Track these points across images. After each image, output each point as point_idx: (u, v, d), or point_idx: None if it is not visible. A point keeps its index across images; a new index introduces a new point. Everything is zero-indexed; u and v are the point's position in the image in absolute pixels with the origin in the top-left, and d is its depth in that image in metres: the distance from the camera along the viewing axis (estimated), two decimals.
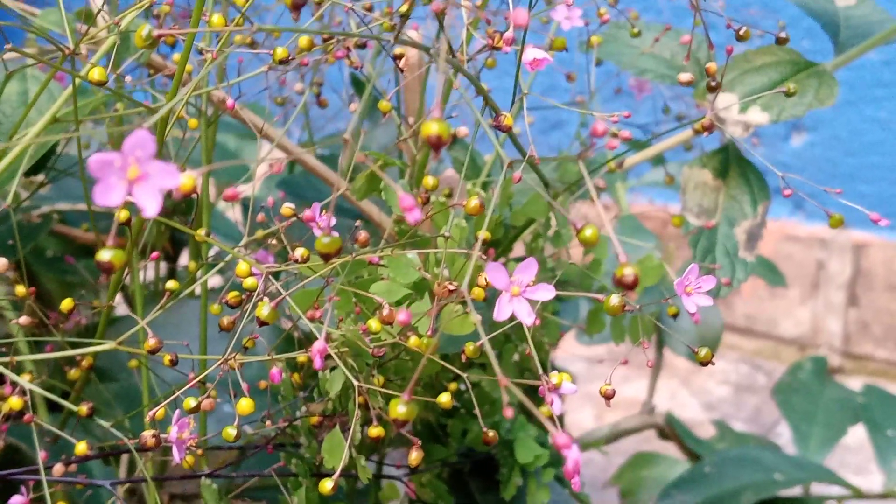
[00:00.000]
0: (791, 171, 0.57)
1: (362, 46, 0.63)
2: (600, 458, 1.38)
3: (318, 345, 0.35)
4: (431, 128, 0.26)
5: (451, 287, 0.42)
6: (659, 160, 0.93)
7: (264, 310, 0.40)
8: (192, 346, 0.61)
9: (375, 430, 0.53)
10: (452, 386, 0.61)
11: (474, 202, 0.39)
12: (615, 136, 0.52)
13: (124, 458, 0.74)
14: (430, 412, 0.67)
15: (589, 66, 0.71)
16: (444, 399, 0.44)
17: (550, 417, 0.64)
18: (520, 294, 0.34)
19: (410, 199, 0.28)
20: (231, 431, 0.45)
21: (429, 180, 0.56)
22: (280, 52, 0.48)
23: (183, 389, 0.45)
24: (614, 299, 0.34)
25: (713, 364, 0.43)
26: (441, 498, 0.63)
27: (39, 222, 0.72)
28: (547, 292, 0.34)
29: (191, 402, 0.45)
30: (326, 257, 0.30)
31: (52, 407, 0.77)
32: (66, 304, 0.51)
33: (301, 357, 0.56)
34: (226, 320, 0.54)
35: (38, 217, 0.73)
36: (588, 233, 0.31)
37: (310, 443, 0.58)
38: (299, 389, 0.61)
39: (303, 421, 0.57)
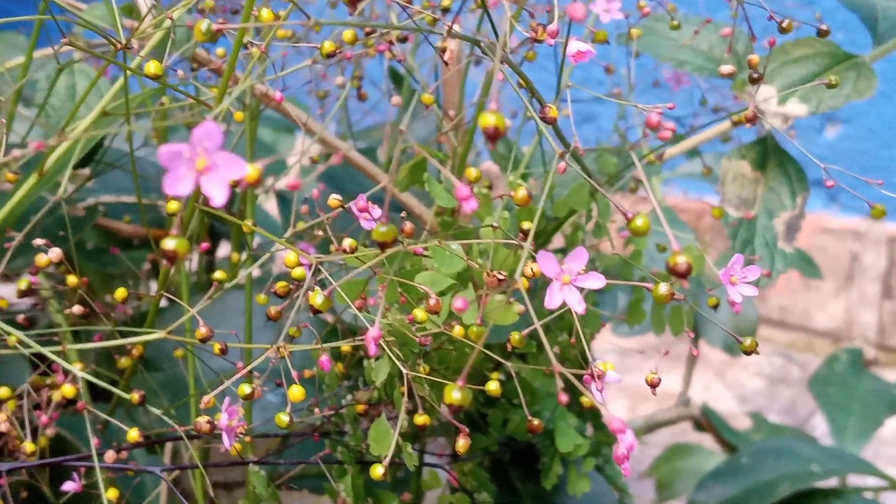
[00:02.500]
0: (825, 163, 0.57)
1: (403, 40, 0.64)
2: (638, 448, 1.38)
3: (373, 332, 0.35)
4: (489, 119, 0.27)
5: (500, 277, 0.42)
6: (694, 152, 0.94)
7: (317, 298, 0.41)
8: (238, 335, 0.62)
9: (421, 419, 0.53)
10: (494, 375, 0.62)
11: (522, 192, 0.40)
12: (661, 128, 0.52)
13: (168, 445, 0.75)
14: (471, 401, 0.68)
15: (627, 59, 0.71)
16: (493, 387, 0.44)
17: (592, 406, 0.65)
18: (570, 283, 0.34)
19: (466, 189, 0.29)
20: (284, 418, 0.46)
21: (472, 172, 0.57)
22: (327, 45, 0.49)
23: (234, 379, 0.46)
24: (663, 287, 0.35)
25: (757, 353, 0.44)
26: (483, 486, 0.64)
27: (84, 214, 0.73)
28: (597, 281, 0.34)
29: (245, 389, 0.45)
30: (383, 246, 0.31)
31: (95, 396, 0.78)
32: (120, 293, 0.52)
33: (345, 347, 0.57)
34: (273, 310, 0.55)
35: (83, 209, 0.74)
36: (639, 222, 0.31)
37: (355, 431, 0.59)
38: (343, 378, 0.61)
39: (348, 409, 0.58)
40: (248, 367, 0.45)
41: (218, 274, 0.57)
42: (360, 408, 0.56)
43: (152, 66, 0.43)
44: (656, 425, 1.13)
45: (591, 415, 0.74)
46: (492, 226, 0.48)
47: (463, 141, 0.65)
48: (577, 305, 0.34)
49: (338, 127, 1.07)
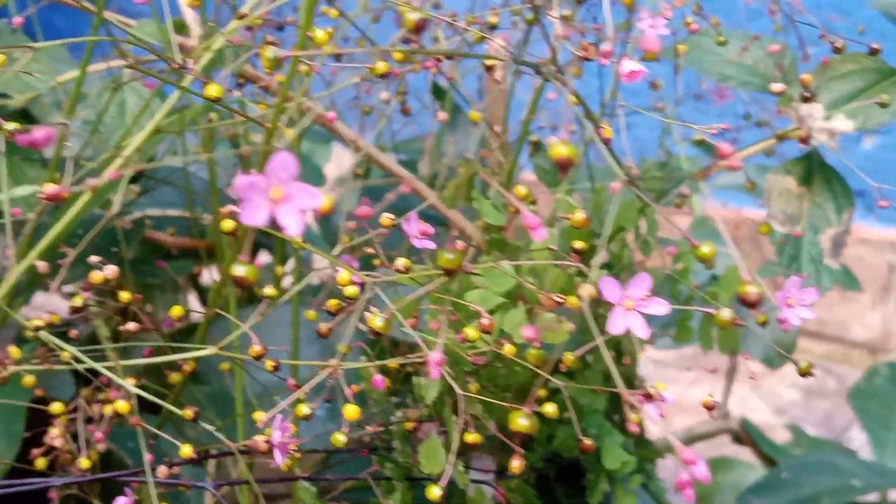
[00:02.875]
0: (863, 174, 0.57)
1: (450, 57, 0.64)
2: (671, 461, 1.38)
3: (435, 356, 0.35)
4: (561, 150, 0.27)
5: (559, 300, 0.42)
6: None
7: (378, 321, 0.41)
8: (286, 349, 0.62)
9: (472, 437, 0.53)
10: (542, 393, 0.62)
11: (580, 216, 0.40)
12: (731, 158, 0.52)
13: (212, 459, 0.76)
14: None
15: (670, 73, 0.71)
16: (549, 409, 0.44)
17: (641, 424, 0.65)
18: (633, 308, 0.34)
19: (536, 219, 0.29)
20: (340, 438, 0.46)
21: (520, 189, 0.57)
22: (382, 66, 0.49)
23: (290, 399, 0.46)
24: (726, 313, 0.35)
25: (812, 375, 0.43)
26: (529, 503, 0.64)
27: (132, 228, 0.74)
28: (661, 307, 0.34)
29: (304, 410, 0.46)
30: (450, 273, 0.31)
31: (141, 409, 0.78)
32: (176, 311, 0.52)
33: (392, 363, 0.57)
34: (324, 327, 0.55)
35: (130, 223, 0.75)
36: (706, 250, 0.31)
37: (404, 447, 0.59)
38: (390, 394, 0.62)
39: (398, 426, 0.58)
40: (305, 388, 0.45)
41: (269, 290, 0.57)
42: (410, 425, 0.57)
43: (213, 90, 0.43)
44: (695, 438, 1.13)
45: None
46: (549, 248, 0.48)
47: (509, 157, 0.65)
48: (641, 331, 0.34)
49: (375, 137, 1.07)
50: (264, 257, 1.14)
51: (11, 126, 0.44)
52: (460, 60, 0.82)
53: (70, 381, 1.04)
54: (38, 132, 0.27)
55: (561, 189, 0.71)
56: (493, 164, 0.71)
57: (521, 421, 0.31)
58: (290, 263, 0.97)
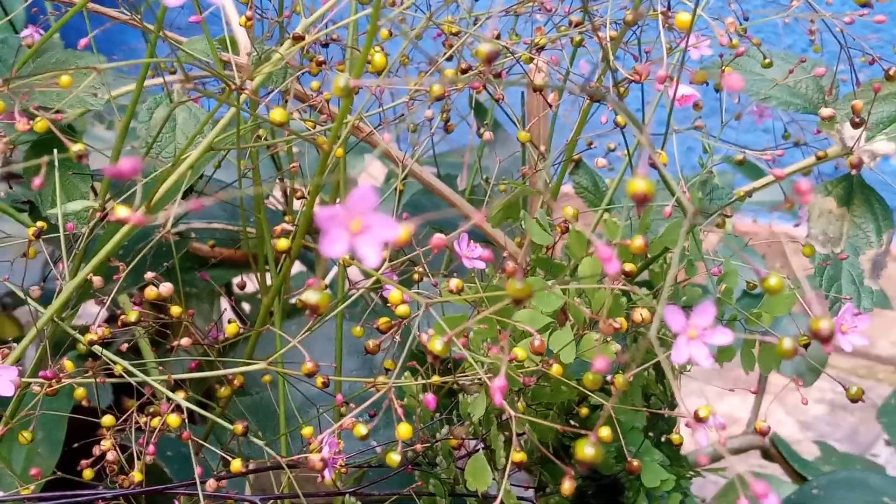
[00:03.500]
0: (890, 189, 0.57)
1: (498, 76, 0.65)
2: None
3: (499, 381, 0.36)
4: (638, 185, 0.28)
5: (616, 325, 0.43)
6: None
7: (437, 344, 0.41)
8: (325, 361, 0.63)
9: (518, 455, 0.54)
10: (584, 411, 0.62)
11: (639, 242, 0.40)
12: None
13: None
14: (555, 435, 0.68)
15: (720, 95, 0.72)
16: (605, 433, 0.45)
17: (680, 444, 0.65)
18: (697, 337, 0.35)
19: (609, 251, 0.29)
20: (395, 458, 0.47)
21: (568, 210, 0.58)
22: (437, 89, 0.50)
23: (346, 420, 0.47)
24: (788, 343, 0.35)
25: (863, 401, 0.44)
26: None
27: (177, 240, 0.75)
28: (724, 336, 0.35)
29: (361, 430, 0.46)
30: (518, 302, 0.31)
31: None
32: (232, 329, 0.53)
33: (434, 381, 0.58)
34: (371, 343, 0.56)
35: (175, 235, 0.75)
36: (773, 281, 0.32)
37: (448, 464, 0.60)
38: (435, 411, 0.62)
39: (443, 443, 0.59)
40: (360, 407, 0.46)
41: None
42: (455, 442, 0.57)
43: (278, 115, 0.44)
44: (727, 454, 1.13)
45: (668, 446, 0.74)
46: (602, 276, 0.48)
47: (555, 176, 0.66)
48: (705, 361, 0.34)
49: (403, 146, 1.08)
50: (297, 266, 1.14)
51: (77, 147, 0.45)
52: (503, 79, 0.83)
53: (108, 392, 1.05)
54: (124, 163, 0.27)
55: (602, 210, 0.72)
56: (534, 182, 0.72)
57: (587, 450, 0.31)
58: (329, 276, 0.98)
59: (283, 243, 0.52)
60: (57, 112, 0.54)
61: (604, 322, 0.43)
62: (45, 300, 0.64)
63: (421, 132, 0.82)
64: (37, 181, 0.49)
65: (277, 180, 0.84)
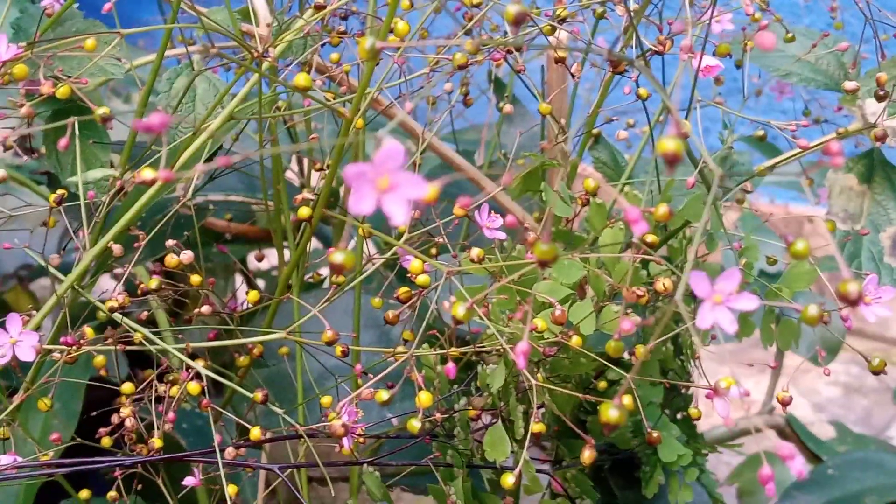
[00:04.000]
0: None
1: (518, 49, 0.65)
2: (712, 456, 1.38)
3: (522, 346, 0.36)
4: (668, 145, 0.27)
5: (640, 293, 0.43)
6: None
7: (460, 309, 0.41)
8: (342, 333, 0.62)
9: (537, 426, 0.54)
10: (602, 384, 0.62)
11: (663, 210, 0.40)
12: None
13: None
14: (573, 408, 0.68)
15: (741, 72, 0.71)
16: (627, 402, 0.44)
17: (698, 418, 0.65)
18: (722, 303, 0.35)
19: (637, 212, 0.29)
20: (416, 424, 0.47)
21: (589, 182, 0.57)
22: (459, 58, 0.50)
23: (365, 386, 0.47)
24: (813, 309, 0.35)
25: (885, 373, 0.44)
26: (586, 493, 0.64)
27: (194, 213, 0.75)
28: (749, 302, 0.35)
29: (383, 396, 0.46)
30: (544, 264, 0.31)
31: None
32: (253, 296, 0.53)
33: (454, 352, 0.58)
34: (391, 314, 0.56)
35: (192, 207, 0.75)
36: (800, 246, 0.32)
37: (466, 435, 0.60)
38: (452, 382, 0.62)
39: (461, 414, 0.59)
40: (380, 376, 0.46)
41: (337, 277, 0.58)
42: (473, 413, 0.57)
43: (302, 79, 0.44)
44: (739, 433, 1.13)
45: (685, 424, 0.74)
46: (640, 242, 0.48)
47: (576, 149, 0.66)
48: (730, 326, 0.34)
49: (421, 122, 1.08)
50: (313, 242, 1.14)
51: (102, 110, 0.45)
52: (523, 52, 0.83)
53: (123, 361, 1.05)
54: (153, 118, 0.27)
55: (623, 183, 0.71)
56: (553, 155, 0.72)
57: (611, 412, 0.31)
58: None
59: (304, 211, 0.52)
60: (77, 77, 0.54)
61: (627, 290, 0.43)
62: (62, 270, 0.64)
63: (439, 107, 0.82)
64: (62, 142, 0.49)
65: (295, 153, 0.84)
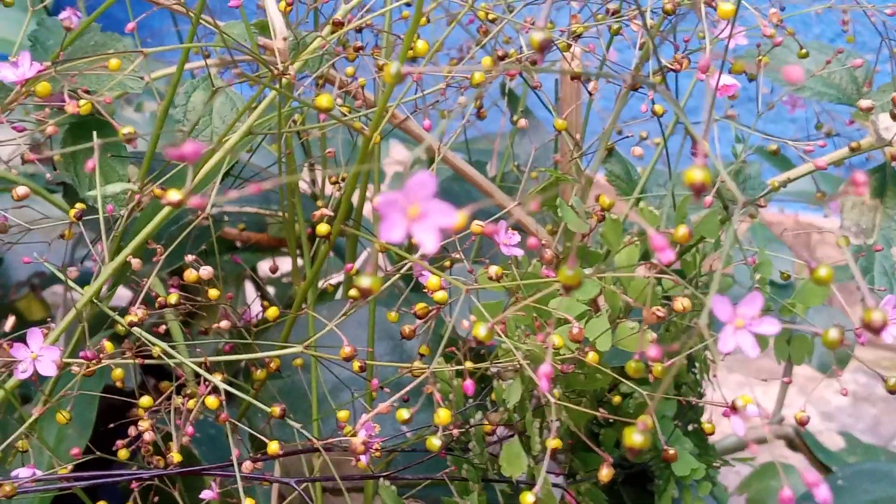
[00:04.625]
0: None
1: (533, 63, 0.65)
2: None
3: (545, 368, 0.36)
4: (696, 175, 0.28)
5: (660, 314, 0.43)
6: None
7: (481, 329, 0.42)
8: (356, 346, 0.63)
9: (553, 442, 0.54)
10: (616, 398, 0.63)
11: (683, 231, 0.41)
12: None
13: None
14: (586, 422, 0.69)
15: (755, 84, 0.71)
16: (649, 421, 0.45)
17: (712, 432, 0.65)
18: (744, 327, 0.35)
19: (662, 240, 0.29)
20: (435, 442, 0.47)
21: (605, 199, 0.58)
22: (478, 76, 0.50)
23: (387, 403, 0.47)
24: (833, 333, 0.35)
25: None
26: None
27: (209, 224, 0.75)
28: (771, 326, 0.35)
29: (403, 415, 0.47)
30: (569, 289, 0.32)
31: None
32: (272, 312, 0.54)
33: (470, 367, 0.58)
34: (407, 329, 0.56)
35: (207, 218, 0.76)
36: (822, 273, 0.32)
37: (481, 450, 0.60)
38: (468, 397, 0.62)
39: (476, 428, 0.59)
40: (400, 395, 0.46)
41: (353, 291, 0.59)
42: (489, 428, 0.58)
43: (324, 101, 0.44)
44: (748, 444, 1.13)
45: (697, 436, 0.74)
46: (652, 263, 0.48)
47: (591, 164, 0.66)
48: (751, 350, 0.35)
49: (432, 132, 1.08)
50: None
51: (127, 130, 0.45)
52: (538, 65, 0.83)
53: (136, 370, 1.05)
54: (187, 147, 0.28)
55: (635, 198, 0.72)
56: (565, 170, 0.72)
57: (635, 437, 0.32)
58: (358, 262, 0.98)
59: (322, 228, 0.52)
60: (100, 94, 0.54)
61: (647, 311, 0.43)
62: (78, 282, 0.65)
63: (451, 118, 0.82)
64: (89, 164, 0.49)
65: (307, 165, 0.85)
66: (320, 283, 0.72)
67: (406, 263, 0.58)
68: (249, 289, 1.19)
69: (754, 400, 0.54)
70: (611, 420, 0.69)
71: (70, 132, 0.66)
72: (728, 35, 0.58)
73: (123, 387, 0.67)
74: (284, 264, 1.19)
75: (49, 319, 0.71)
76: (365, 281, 0.32)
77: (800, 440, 1.12)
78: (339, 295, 0.88)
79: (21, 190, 0.50)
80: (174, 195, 0.36)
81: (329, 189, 0.85)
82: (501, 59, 0.62)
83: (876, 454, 1.17)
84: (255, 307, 0.75)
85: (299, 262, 0.74)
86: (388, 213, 0.29)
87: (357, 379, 0.66)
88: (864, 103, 0.57)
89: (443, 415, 0.47)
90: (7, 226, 0.61)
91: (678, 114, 0.47)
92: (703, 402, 0.51)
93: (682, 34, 0.68)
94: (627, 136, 0.66)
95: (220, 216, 0.81)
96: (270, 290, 1.22)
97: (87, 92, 0.51)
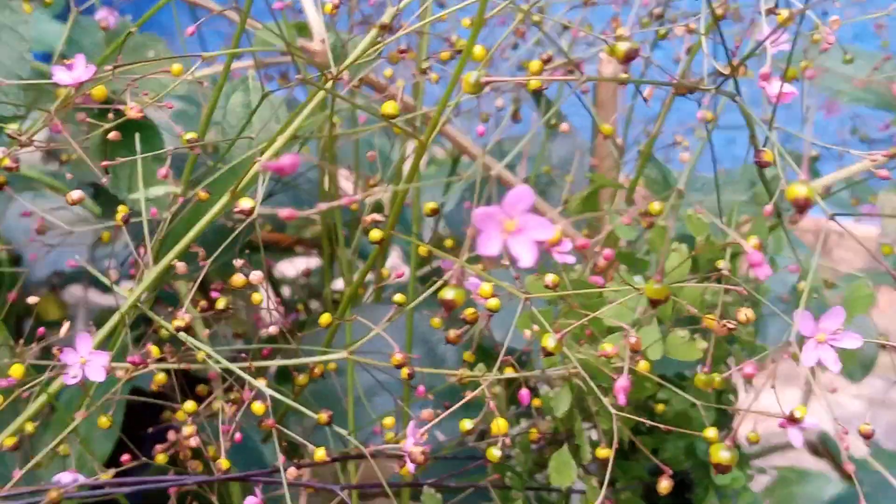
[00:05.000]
0: None
1: (577, 66, 0.64)
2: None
3: (622, 382, 0.36)
4: (800, 191, 0.27)
5: (731, 326, 0.43)
6: (817, 173, 0.93)
7: (549, 340, 0.41)
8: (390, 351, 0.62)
9: (604, 452, 0.54)
10: (660, 407, 0.62)
11: (754, 241, 0.40)
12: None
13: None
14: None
15: (802, 91, 0.71)
16: (711, 434, 0.44)
17: (757, 441, 0.65)
18: (825, 342, 0.34)
19: (759, 256, 0.29)
20: (496, 453, 0.46)
21: (655, 206, 0.57)
22: (533, 83, 0.49)
23: (440, 415, 0.46)
24: None
25: None
26: None
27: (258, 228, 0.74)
28: (853, 341, 0.34)
29: (466, 425, 0.46)
30: (655, 304, 0.31)
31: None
32: (325, 318, 0.53)
33: (519, 376, 0.57)
34: (453, 334, 0.56)
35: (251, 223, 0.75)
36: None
37: (526, 458, 0.59)
38: (512, 403, 0.62)
39: (522, 436, 0.58)
40: (463, 402, 0.45)
41: (398, 297, 0.58)
42: (535, 435, 0.57)
43: (389, 107, 0.44)
44: (770, 450, 1.12)
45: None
46: (721, 272, 0.48)
47: (637, 169, 0.65)
48: (833, 365, 0.34)
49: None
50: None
51: (190, 135, 0.45)
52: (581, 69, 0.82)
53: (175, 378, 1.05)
54: (285, 160, 0.27)
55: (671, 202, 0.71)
56: (607, 174, 0.72)
57: (722, 454, 0.31)
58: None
59: (375, 234, 0.51)
60: (150, 99, 0.54)
61: (719, 325, 0.43)
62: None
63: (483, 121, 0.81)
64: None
65: (347, 168, 0.84)
66: (367, 291, 0.71)
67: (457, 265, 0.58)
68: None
69: (769, 406, 0.54)
70: (648, 428, 0.69)
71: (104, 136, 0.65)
72: (776, 41, 0.58)
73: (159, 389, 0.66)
74: (299, 264, 1.18)
75: (67, 321, 0.70)
76: (449, 293, 0.31)
77: (823, 447, 1.12)
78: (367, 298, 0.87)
79: (76, 194, 0.50)
80: (246, 203, 0.36)
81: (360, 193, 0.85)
82: (546, 62, 0.61)
83: None
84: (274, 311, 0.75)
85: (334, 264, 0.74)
86: (485, 226, 0.28)
87: (391, 382, 0.65)
88: None
89: (501, 424, 0.46)
90: (46, 227, 0.61)
91: (746, 119, 0.46)
92: (754, 412, 0.51)
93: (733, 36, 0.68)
94: (677, 144, 0.66)
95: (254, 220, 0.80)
96: (286, 290, 1.22)
97: (145, 96, 0.50)
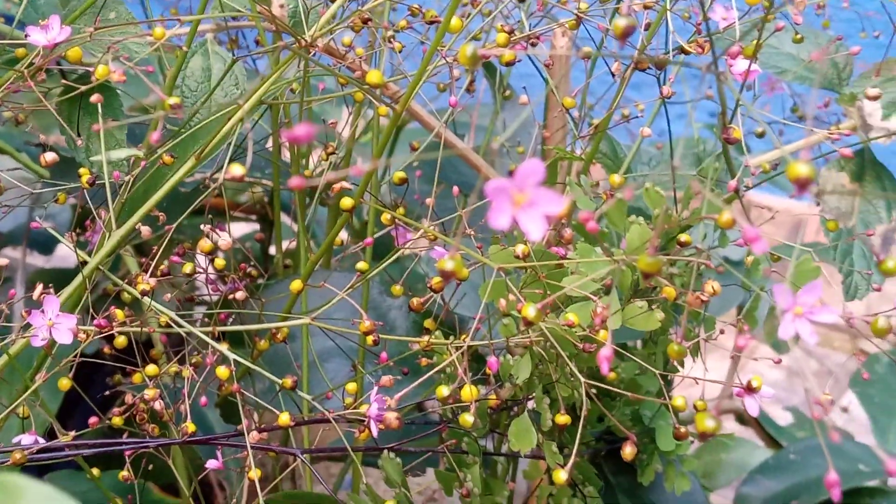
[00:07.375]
0: None
1: (537, 39, 0.65)
2: None
3: (606, 351, 0.37)
4: (801, 170, 0.28)
5: (704, 298, 0.44)
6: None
7: (530, 310, 0.42)
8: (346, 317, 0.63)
9: (562, 418, 0.55)
10: (612, 375, 0.64)
11: (727, 217, 0.41)
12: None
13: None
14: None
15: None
16: (679, 402, 0.45)
17: (683, 409, 0.67)
18: (802, 315, 0.36)
19: (755, 232, 0.30)
20: (469, 419, 0.47)
21: (615, 178, 0.58)
22: (506, 56, 0.50)
23: (423, 379, 0.47)
24: (882, 322, 0.37)
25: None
26: (589, 480, 0.65)
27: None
28: (830, 314, 0.36)
29: (443, 391, 0.47)
30: (648, 276, 0.32)
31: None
32: (296, 285, 0.53)
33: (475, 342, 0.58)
34: (416, 301, 0.57)
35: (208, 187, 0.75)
36: (890, 264, 0.33)
37: (484, 424, 0.60)
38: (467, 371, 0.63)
39: (480, 403, 0.59)
40: (435, 370, 0.46)
41: (361, 265, 0.59)
42: (493, 402, 0.58)
43: (374, 77, 0.44)
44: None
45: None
46: (688, 243, 0.49)
47: (591, 142, 0.67)
48: (809, 337, 0.36)
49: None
50: (286, 219, 1.14)
51: (173, 100, 0.44)
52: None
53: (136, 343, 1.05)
54: (300, 129, 0.28)
55: (623, 175, 0.72)
56: (555, 144, 0.73)
57: (708, 423, 0.32)
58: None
59: (347, 202, 0.52)
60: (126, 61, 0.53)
61: (692, 295, 0.44)
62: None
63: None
64: (95, 127, 0.49)
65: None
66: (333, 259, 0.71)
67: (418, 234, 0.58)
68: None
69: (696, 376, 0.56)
70: (595, 395, 0.71)
71: (66, 94, 0.65)
72: (763, 21, 0.59)
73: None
74: (235, 230, 1.18)
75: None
76: (448, 264, 0.32)
77: (749, 415, 1.15)
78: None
79: (49, 156, 0.49)
80: (237, 170, 0.36)
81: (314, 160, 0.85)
82: (510, 34, 0.62)
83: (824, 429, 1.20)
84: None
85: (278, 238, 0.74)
86: (497, 199, 0.29)
87: (343, 347, 0.66)
88: (872, 92, 0.58)
89: (469, 391, 0.47)
90: (3, 188, 0.60)
91: (723, 99, 0.48)
92: (707, 380, 0.53)
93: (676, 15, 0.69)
94: (638, 116, 0.67)
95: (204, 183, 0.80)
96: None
97: (119, 58, 0.50)
